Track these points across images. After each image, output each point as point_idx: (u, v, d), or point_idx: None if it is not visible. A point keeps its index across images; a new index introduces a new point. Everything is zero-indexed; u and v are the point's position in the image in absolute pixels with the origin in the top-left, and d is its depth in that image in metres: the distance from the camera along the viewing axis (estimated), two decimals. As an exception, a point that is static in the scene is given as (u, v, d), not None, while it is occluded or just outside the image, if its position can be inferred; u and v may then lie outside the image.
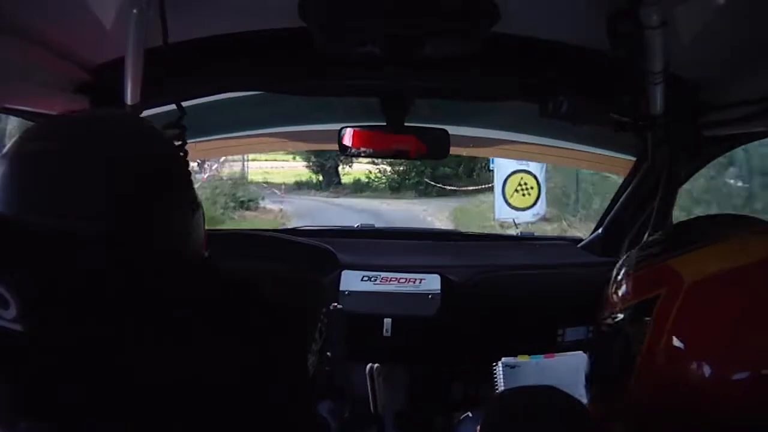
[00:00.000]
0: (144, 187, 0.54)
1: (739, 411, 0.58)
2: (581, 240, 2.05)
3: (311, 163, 15.04)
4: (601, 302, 0.76)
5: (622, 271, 0.72)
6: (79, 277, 0.47)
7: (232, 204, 10.36)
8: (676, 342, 0.61)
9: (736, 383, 0.58)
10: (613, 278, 0.74)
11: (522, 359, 1.49)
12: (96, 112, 0.64)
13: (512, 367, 1.48)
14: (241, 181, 11.91)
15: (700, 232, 0.69)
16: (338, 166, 14.55)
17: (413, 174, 13.67)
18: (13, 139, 0.54)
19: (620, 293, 0.71)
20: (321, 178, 14.83)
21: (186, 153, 0.84)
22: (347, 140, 1.65)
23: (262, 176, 14.30)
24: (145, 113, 1.31)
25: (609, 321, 0.72)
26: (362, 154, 1.67)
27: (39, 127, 0.57)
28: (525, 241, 2.19)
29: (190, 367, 0.48)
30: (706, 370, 0.59)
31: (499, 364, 1.48)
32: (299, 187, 14.64)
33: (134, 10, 0.98)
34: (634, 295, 0.68)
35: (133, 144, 0.56)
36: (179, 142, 0.86)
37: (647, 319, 0.63)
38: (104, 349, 0.47)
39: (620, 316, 0.69)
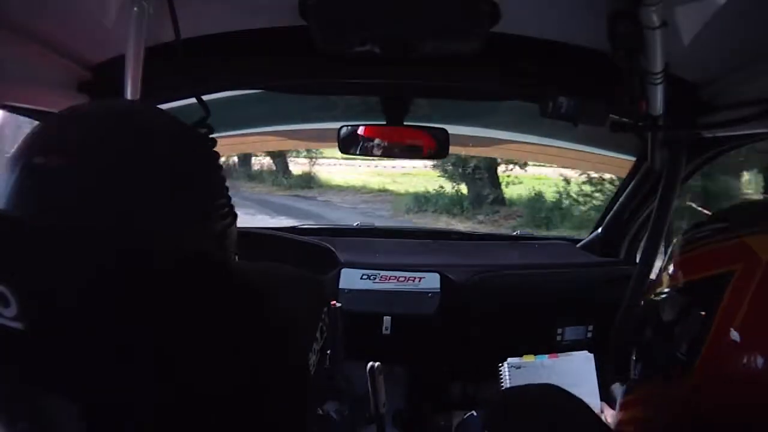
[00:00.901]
0: (151, 187, 0.53)
1: None
2: (580, 240, 2.05)
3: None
4: (650, 281, 0.75)
5: (680, 249, 0.70)
6: (80, 276, 0.47)
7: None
8: (753, 319, 0.59)
9: None
10: (670, 254, 0.72)
11: (527, 359, 1.49)
12: (102, 106, 0.62)
13: (518, 367, 1.48)
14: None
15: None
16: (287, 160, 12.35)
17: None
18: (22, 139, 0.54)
19: (683, 268, 0.68)
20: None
21: (217, 155, 0.79)
22: (347, 139, 1.65)
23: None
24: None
25: (662, 298, 0.69)
26: (362, 153, 1.67)
27: (42, 126, 0.56)
28: (524, 240, 2.19)
29: (191, 367, 0.49)
30: None
31: (505, 364, 1.49)
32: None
33: (135, 8, 0.98)
34: (700, 270, 0.65)
35: (141, 142, 0.55)
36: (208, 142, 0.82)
37: (715, 296, 0.61)
38: (104, 348, 0.47)
39: (679, 293, 0.67)
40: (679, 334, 0.65)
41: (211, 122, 0.71)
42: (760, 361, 0.57)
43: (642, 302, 0.76)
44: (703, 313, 0.62)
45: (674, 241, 0.74)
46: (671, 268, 0.70)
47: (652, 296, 0.72)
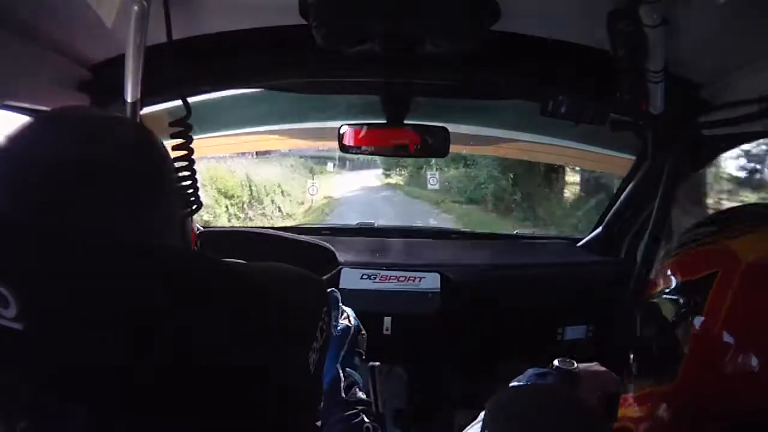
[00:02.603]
0: (138, 185, 0.55)
1: None
2: (581, 239, 2.05)
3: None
4: (644, 284, 0.77)
5: (672, 252, 0.73)
6: (79, 276, 0.47)
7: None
8: (733, 322, 0.62)
9: None
10: (661, 258, 0.75)
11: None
12: (84, 111, 0.65)
13: None
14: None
15: (753, 217, 0.70)
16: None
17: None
18: (8, 137, 0.55)
19: (671, 272, 0.71)
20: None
21: (191, 151, 0.83)
22: (347, 138, 1.65)
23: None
24: (146, 110, 1.32)
25: (656, 300, 0.72)
26: (362, 152, 1.67)
27: (36, 125, 0.57)
28: (524, 240, 2.19)
29: (191, 367, 0.49)
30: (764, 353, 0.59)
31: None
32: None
33: (135, 7, 0.98)
34: (688, 273, 0.68)
35: (116, 142, 0.57)
36: (183, 140, 0.85)
37: (700, 298, 0.64)
38: (105, 348, 0.47)
39: (671, 294, 0.69)
40: (670, 335, 0.67)
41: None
42: (744, 359, 0.60)
43: (639, 302, 0.78)
44: (690, 314, 0.65)
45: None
46: (663, 270, 0.73)
47: (647, 297, 0.75)
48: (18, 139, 0.55)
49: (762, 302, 0.61)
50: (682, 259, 0.71)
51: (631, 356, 0.77)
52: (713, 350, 0.62)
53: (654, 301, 0.72)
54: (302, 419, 0.56)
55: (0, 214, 0.50)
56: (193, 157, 0.83)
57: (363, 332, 1.09)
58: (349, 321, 1.08)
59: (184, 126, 0.85)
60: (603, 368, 1.04)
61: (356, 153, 1.70)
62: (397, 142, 1.64)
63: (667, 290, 0.70)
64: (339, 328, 1.05)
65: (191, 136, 0.86)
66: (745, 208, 0.77)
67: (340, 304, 1.10)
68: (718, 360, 0.62)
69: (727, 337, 0.62)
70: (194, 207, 0.73)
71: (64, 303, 0.47)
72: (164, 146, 0.65)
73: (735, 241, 0.65)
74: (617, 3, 1.04)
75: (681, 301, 0.68)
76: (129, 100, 1.15)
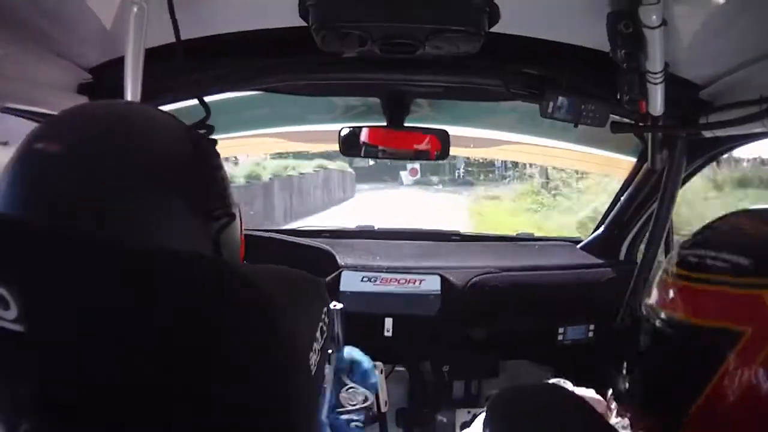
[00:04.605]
0: (145, 187, 0.53)
1: None
2: (581, 240, 2.05)
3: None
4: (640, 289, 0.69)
5: (689, 267, 0.60)
6: (79, 278, 0.47)
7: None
8: (755, 390, 0.52)
9: None
10: (674, 262, 0.62)
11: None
12: (103, 106, 0.62)
13: None
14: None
15: None
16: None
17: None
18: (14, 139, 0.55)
19: (685, 301, 0.59)
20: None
21: (216, 156, 0.76)
22: (348, 140, 1.65)
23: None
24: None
25: (659, 325, 0.61)
26: (362, 154, 1.67)
27: (41, 127, 0.56)
28: (525, 241, 2.19)
29: (192, 367, 0.48)
30: None
31: None
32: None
33: (134, 9, 0.98)
34: (711, 315, 0.56)
35: (135, 142, 0.55)
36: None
37: (724, 353, 0.53)
38: (105, 348, 0.47)
39: (682, 327, 0.58)
40: (672, 371, 0.60)
41: (212, 124, 0.71)
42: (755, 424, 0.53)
43: (638, 308, 0.69)
44: (701, 362, 0.56)
45: (680, 243, 0.65)
46: (672, 291, 0.61)
47: (649, 311, 0.65)
48: (25, 141, 0.54)
49: None
50: (698, 292, 0.58)
51: (627, 376, 0.69)
52: (723, 408, 0.54)
53: (654, 322, 0.62)
54: (303, 419, 0.56)
55: (1, 216, 0.50)
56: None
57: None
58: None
59: (205, 128, 0.78)
60: (598, 396, 0.98)
61: (356, 155, 1.70)
62: (398, 144, 1.64)
63: (675, 321, 0.59)
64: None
65: (215, 139, 0.81)
66: None
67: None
68: (726, 418, 0.54)
69: (740, 404, 0.53)
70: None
71: (64, 305, 0.46)
72: (206, 147, 0.62)
73: None
74: (617, 4, 1.04)
75: (691, 342, 0.57)
76: None
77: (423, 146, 1.63)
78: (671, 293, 0.61)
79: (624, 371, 0.70)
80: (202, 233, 0.58)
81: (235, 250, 0.66)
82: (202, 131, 0.66)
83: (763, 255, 0.56)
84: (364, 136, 1.62)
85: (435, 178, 18.32)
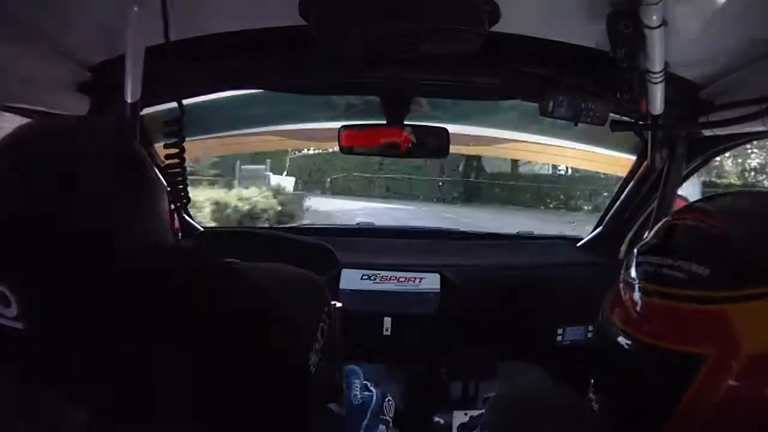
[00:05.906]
0: (121, 185, 0.55)
1: None
2: (580, 239, 2.05)
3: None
4: (607, 302, 0.63)
5: (646, 277, 0.54)
6: (79, 276, 0.47)
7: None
8: (725, 416, 0.47)
9: None
10: (628, 277, 0.56)
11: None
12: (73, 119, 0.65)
13: None
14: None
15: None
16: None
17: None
18: (10, 137, 0.55)
19: (646, 317, 0.52)
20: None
21: (183, 150, 0.86)
22: (347, 138, 1.65)
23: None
24: (146, 111, 1.32)
25: (627, 340, 0.54)
26: (362, 152, 1.67)
27: (36, 127, 0.57)
28: (524, 240, 2.19)
29: (192, 366, 0.49)
30: None
31: None
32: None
33: (134, 8, 0.98)
34: (673, 336, 0.49)
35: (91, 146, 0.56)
36: (174, 140, 0.88)
37: (688, 375, 0.47)
38: (105, 347, 0.47)
39: (646, 346, 0.52)
40: (641, 389, 0.54)
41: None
42: None
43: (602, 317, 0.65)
44: (661, 384, 0.51)
45: (636, 247, 0.60)
46: (627, 304, 0.56)
47: (605, 321, 0.60)
48: (17, 142, 0.55)
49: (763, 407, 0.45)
50: (657, 309, 0.51)
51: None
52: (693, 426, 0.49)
53: (621, 339, 0.55)
54: (303, 419, 0.56)
55: (2, 215, 0.50)
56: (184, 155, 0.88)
57: (389, 398, 1.09)
58: (368, 390, 1.08)
59: (178, 126, 0.90)
60: None
61: (356, 154, 1.70)
62: (397, 142, 1.63)
63: (639, 340, 0.53)
64: (359, 397, 1.05)
65: (184, 136, 0.89)
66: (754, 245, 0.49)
67: (361, 375, 1.10)
68: None
69: (709, 423, 0.48)
70: (184, 201, 0.79)
71: (64, 303, 0.47)
72: (140, 150, 0.64)
73: (736, 307, 0.46)
74: (617, 4, 1.04)
75: (656, 363, 0.51)
76: (129, 100, 1.15)
77: (423, 144, 1.63)
78: (625, 306, 0.55)
79: (591, 387, 0.66)
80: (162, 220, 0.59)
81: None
82: (173, 128, 0.71)
83: (722, 260, 0.48)
84: (363, 134, 1.62)
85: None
